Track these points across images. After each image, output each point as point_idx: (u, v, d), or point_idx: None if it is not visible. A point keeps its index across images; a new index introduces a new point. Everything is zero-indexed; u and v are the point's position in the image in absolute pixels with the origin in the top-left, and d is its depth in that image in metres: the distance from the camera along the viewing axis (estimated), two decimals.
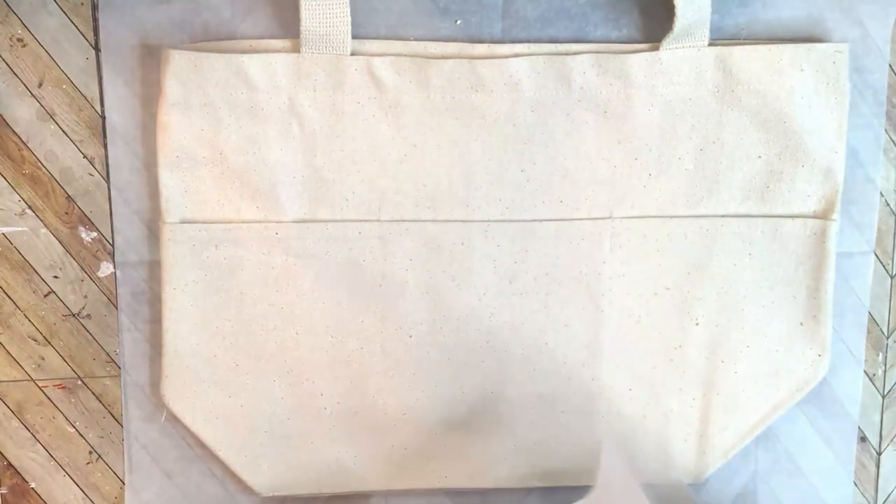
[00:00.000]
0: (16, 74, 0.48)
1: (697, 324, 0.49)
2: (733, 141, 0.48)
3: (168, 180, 0.47)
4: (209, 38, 0.47)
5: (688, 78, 0.47)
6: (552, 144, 0.47)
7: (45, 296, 0.49)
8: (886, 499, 0.55)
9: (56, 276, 0.49)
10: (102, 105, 0.48)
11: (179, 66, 0.45)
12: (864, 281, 0.51)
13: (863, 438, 0.54)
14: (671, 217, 0.48)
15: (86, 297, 0.49)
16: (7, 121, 0.48)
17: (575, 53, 0.47)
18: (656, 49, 0.47)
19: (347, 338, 0.49)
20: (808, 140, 0.47)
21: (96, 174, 0.49)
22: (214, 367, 0.48)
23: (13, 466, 0.50)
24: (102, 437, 0.51)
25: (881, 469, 0.55)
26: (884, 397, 0.54)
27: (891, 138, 0.50)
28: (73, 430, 0.50)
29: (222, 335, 0.48)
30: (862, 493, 0.54)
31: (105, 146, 0.48)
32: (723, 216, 0.48)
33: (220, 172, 0.47)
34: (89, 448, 0.51)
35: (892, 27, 0.48)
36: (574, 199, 0.48)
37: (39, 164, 0.48)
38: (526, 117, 0.47)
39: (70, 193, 0.49)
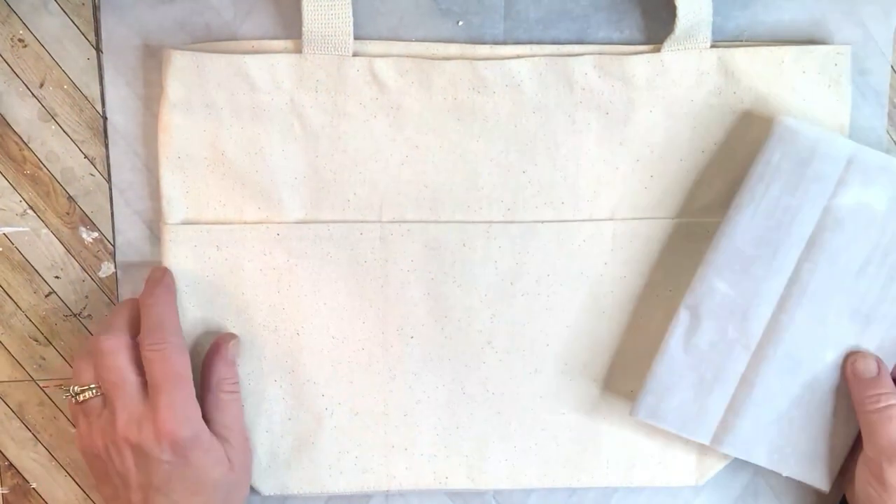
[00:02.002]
0: (17, 75, 0.48)
1: None
2: (735, 142, 0.48)
3: (169, 181, 0.47)
4: (211, 39, 0.47)
5: (689, 79, 0.47)
6: (554, 146, 0.47)
7: (47, 296, 0.49)
8: None
9: (57, 277, 0.49)
10: (104, 105, 0.48)
11: (181, 67, 0.45)
12: None
13: None
14: (673, 219, 0.48)
15: (87, 297, 0.50)
16: (8, 121, 0.48)
17: (577, 55, 0.47)
18: (658, 51, 0.47)
19: (349, 338, 0.49)
20: None
21: (97, 174, 0.49)
22: None
23: (14, 466, 0.50)
24: None
25: None
26: None
27: (893, 140, 0.50)
28: (74, 430, 0.50)
29: None
30: None
31: (106, 146, 0.48)
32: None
33: (222, 173, 0.47)
34: None
35: (894, 29, 0.48)
36: (576, 200, 0.48)
37: (40, 164, 0.48)
38: (528, 118, 0.47)
39: (71, 194, 0.49)
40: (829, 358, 0.46)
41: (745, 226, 0.45)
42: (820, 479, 0.48)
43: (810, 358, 0.46)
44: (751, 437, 0.47)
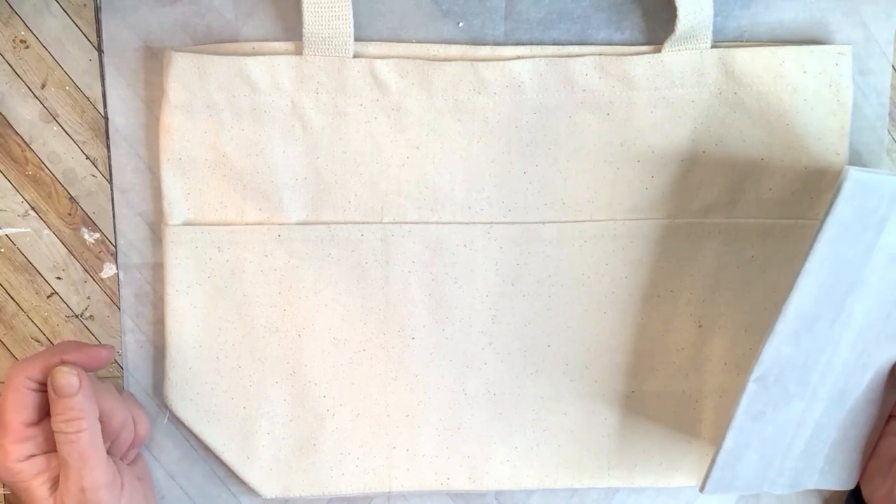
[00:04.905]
0: (19, 76, 0.48)
1: (700, 326, 0.49)
2: (735, 143, 0.47)
3: (170, 182, 0.47)
4: (212, 41, 0.47)
5: (690, 80, 0.47)
6: (554, 146, 0.47)
7: (48, 297, 0.49)
8: None
9: (59, 278, 0.49)
10: (105, 107, 0.48)
11: (182, 69, 0.45)
12: None
13: None
14: (673, 219, 0.48)
15: (89, 298, 0.50)
16: (10, 122, 0.48)
17: (577, 56, 0.47)
18: (658, 51, 0.47)
19: (350, 340, 0.49)
20: (810, 142, 0.47)
21: (99, 175, 0.49)
22: (217, 369, 0.48)
23: None
24: None
25: None
26: None
27: (894, 140, 0.50)
28: None
29: (225, 337, 0.48)
30: None
31: (108, 148, 0.48)
32: (725, 219, 0.48)
33: (223, 174, 0.47)
34: None
35: (895, 29, 0.48)
36: (576, 200, 0.48)
37: (42, 165, 0.48)
38: (528, 119, 0.47)
39: (73, 195, 0.49)
40: (867, 377, 0.46)
41: (811, 289, 0.42)
42: (848, 482, 0.48)
43: (855, 386, 0.46)
44: (803, 472, 0.47)
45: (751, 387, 0.44)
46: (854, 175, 0.40)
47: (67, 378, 0.41)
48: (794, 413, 0.45)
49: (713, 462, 0.45)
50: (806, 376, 0.44)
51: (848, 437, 0.47)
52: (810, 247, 0.41)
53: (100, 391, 0.44)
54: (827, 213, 0.41)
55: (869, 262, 0.43)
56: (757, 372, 0.43)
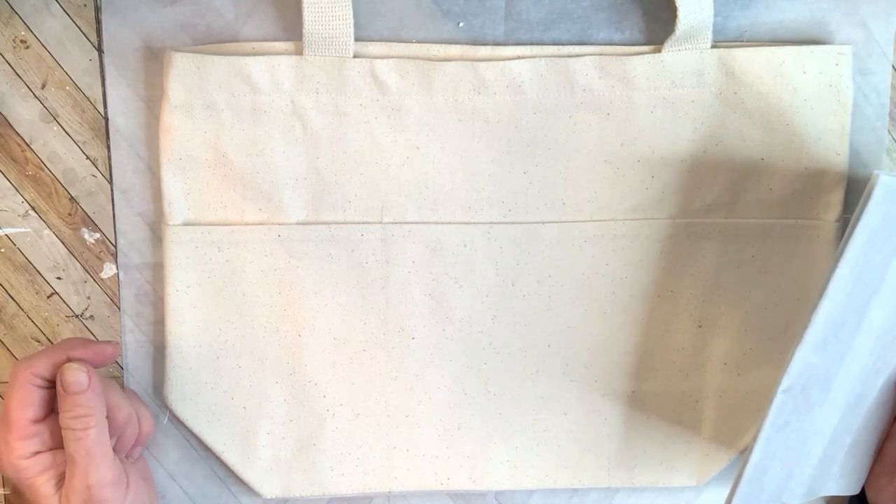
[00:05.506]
0: (19, 76, 0.48)
1: (700, 326, 0.49)
2: (736, 143, 0.47)
3: (170, 182, 0.47)
4: (212, 41, 0.47)
5: (690, 80, 0.47)
6: (555, 146, 0.47)
7: (48, 297, 0.50)
8: None
9: (59, 278, 0.49)
10: (105, 107, 0.48)
11: (182, 69, 0.45)
12: None
13: None
14: (673, 219, 0.48)
15: (89, 298, 0.50)
16: (10, 122, 0.48)
17: (577, 56, 0.47)
18: (659, 51, 0.47)
19: (350, 340, 0.49)
20: (810, 142, 0.47)
21: (99, 175, 0.49)
22: (217, 369, 0.48)
23: None
24: None
25: None
26: None
27: (894, 139, 0.50)
28: None
29: (225, 337, 0.48)
30: None
31: (108, 148, 0.48)
32: (725, 219, 0.48)
33: (223, 174, 0.47)
34: None
35: (895, 29, 0.48)
36: (576, 201, 0.48)
37: (42, 165, 0.48)
38: (528, 119, 0.47)
39: (73, 195, 0.49)
40: (880, 382, 0.46)
41: (839, 296, 0.41)
42: (857, 487, 0.48)
43: (870, 391, 0.45)
44: (819, 479, 0.47)
45: (779, 398, 0.42)
46: (884, 180, 0.39)
47: (77, 375, 0.41)
48: (815, 421, 0.44)
49: (740, 476, 0.43)
50: (828, 383, 0.43)
51: (860, 441, 0.47)
52: (840, 254, 0.40)
53: (106, 388, 0.44)
54: (857, 220, 0.40)
55: (890, 267, 0.42)
56: (785, 383, 0.42)
